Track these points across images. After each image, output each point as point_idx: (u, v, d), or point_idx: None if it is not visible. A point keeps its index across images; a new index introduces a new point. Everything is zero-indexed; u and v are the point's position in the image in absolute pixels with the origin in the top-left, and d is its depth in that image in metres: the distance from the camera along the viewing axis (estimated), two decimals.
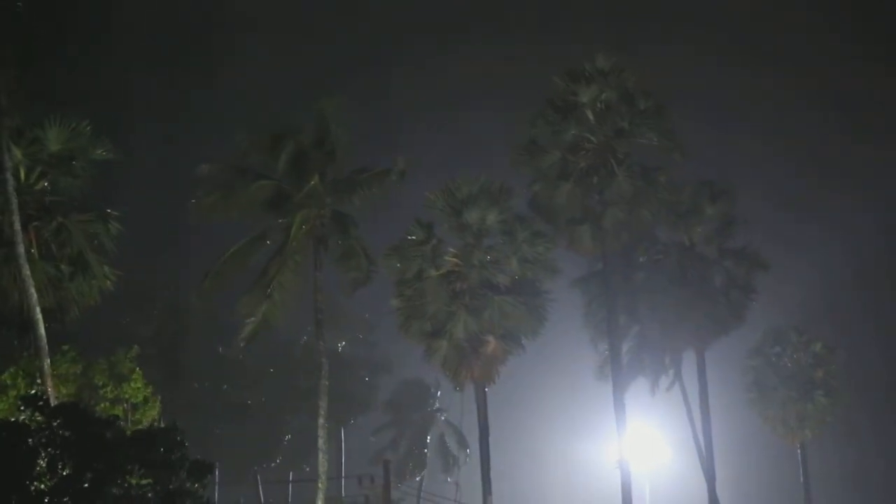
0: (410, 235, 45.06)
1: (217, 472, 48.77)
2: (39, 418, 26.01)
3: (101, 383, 39.53)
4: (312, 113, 47.23)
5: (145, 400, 39.55)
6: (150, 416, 39.37)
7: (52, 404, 28.12)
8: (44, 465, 25.22)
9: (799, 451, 65.04)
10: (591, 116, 48.95)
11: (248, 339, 47.44)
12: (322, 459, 45.74)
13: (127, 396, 39.12)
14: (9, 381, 37.27)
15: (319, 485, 45.35)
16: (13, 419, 27.32)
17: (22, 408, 27.28)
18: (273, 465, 79.96)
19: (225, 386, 78.90)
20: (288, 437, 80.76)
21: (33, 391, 32.53)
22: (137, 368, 40.65)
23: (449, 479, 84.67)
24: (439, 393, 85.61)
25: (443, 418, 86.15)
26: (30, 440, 25.39)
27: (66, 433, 25.49)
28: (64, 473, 25.04)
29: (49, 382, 35.94)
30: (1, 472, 24.57)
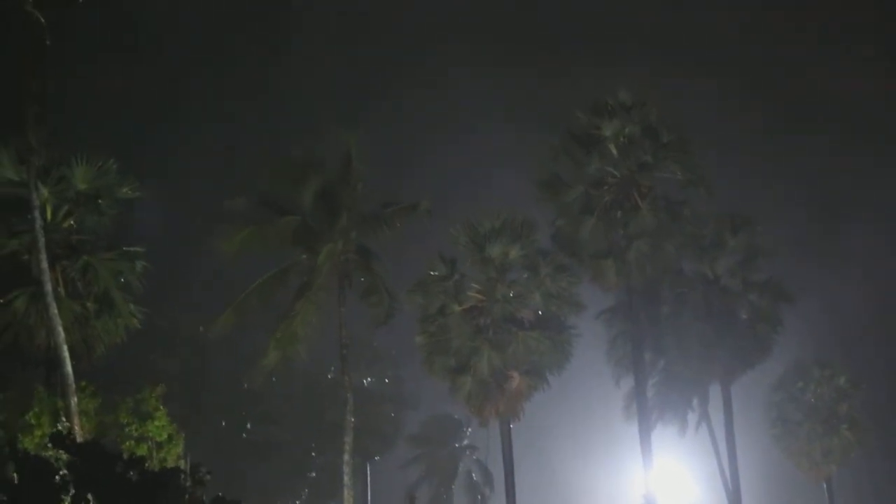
0: (433, 271, 45.02)
1: None
2: (65, 456, 26.07)
3: (126, 421, 39.58)
4: (324, 145, 47.52)
5: (169, 438, 39.57)
6: (175, 453, 39.43)
7: (78, 441, 28.18)
8: (69, 502, 25.27)
9: (825, 485, 64.59)
10: (614, 150, 48.95)
11: (269, 368, 47.53)
12: (348, 496, 45.71)
13: (151, 434, 39.15)
14: (33, 421, 37.34)
15: None
16: (40, 455, 27.30)
17: (49, 445, 27.33)
18: (298, 502, 79.76)
19: (249, 424, 78.80)
20: (313, 473, 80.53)
21: (59, 429, 32.64)
22: (161, 407, 40.70)
23: None
24: (469, 430, 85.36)
25: (474, 457, 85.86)
26: (57, 477, 25.47)
27: (92, 472, 25.55)
28: None
29: (76, 420, 36.04)
30: None
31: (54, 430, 32.79)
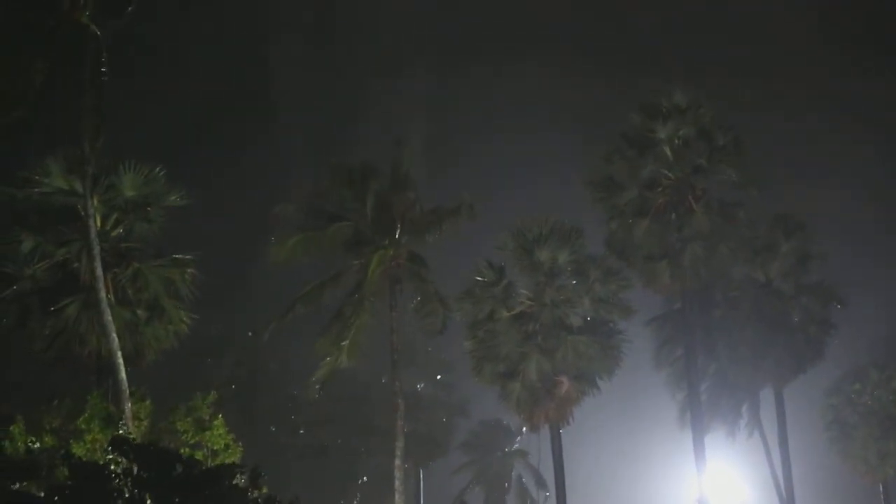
0: (481, 277, 44.92)
1: None
2: (121, 460, 26.21)
3: (182, 429, 39.64)
4: (372, 152, 47.71)
5: (226, 446, 39.56)
6: (232, 461, 39.34)
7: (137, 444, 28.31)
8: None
9: (881, 489, 64.02)
10: (668, 153, 48.71)
11: (324, 380, 47.71)
12: (399, 501, 45.77)
13: (208, 443, 39.16)
14: (83, 427, 37.47)
15: None
16: (95, 461, 27.46)
17: (109, 448, 27.48)
18: None
19: (301, 430, 78.96)
20: (364, 478, 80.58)
21: (119, 432, 32.84)
22: (220, 416, 40.72)
23: None
24: (520, 437, 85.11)
25: (525, 461, 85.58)
26: (114, 482, 25.62)
27: (150, 473, 25.69)
28: None
29: (131, 425, 36.19)
30: None
31: (114, 434, 32.94)
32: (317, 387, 49.33)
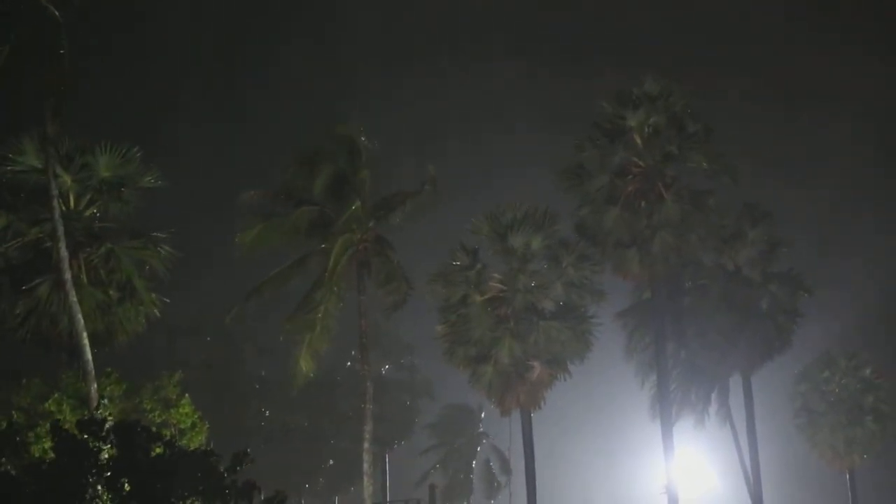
0: (455, 261, 44.89)
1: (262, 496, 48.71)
2: (94, 442, 26.04)
3: (149, 407, 39.55)
4: (333, 138, 47.66)
5: (193, 425, 39.49)
6: (198, 440, 39.29)
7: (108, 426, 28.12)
8: (102, 486, 25.31)
9: (847, 476, 64.51)
10: (639, 141, 48.70)
11: (301, 379, 47.85)
12: (367, 483, 45.85)
13: (175, 422, 39.10)
14: (53, 408, 37.34)
15: None
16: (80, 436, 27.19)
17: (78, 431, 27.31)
18: (316, 489, 79.83)
19: (267, 411, 78.90)
20: (331, 461, 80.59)
21: (86, 415, 32.62)
22: (186, 395, 40.65)
23: (492, 502, 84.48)
24: (483, 415, 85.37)
25: (485, 441, 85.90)
26: (87, 461, 25.48)
27: (124, 454, 25.55)
28: (120, 496, 25.08)
29: (95, 406, 35.96)
30: (65, 490, 24.73)
31: (82, 416, 32.76)
32: (296, 389, 49.16)
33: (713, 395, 55.70)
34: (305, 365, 47.15)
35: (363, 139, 47.54)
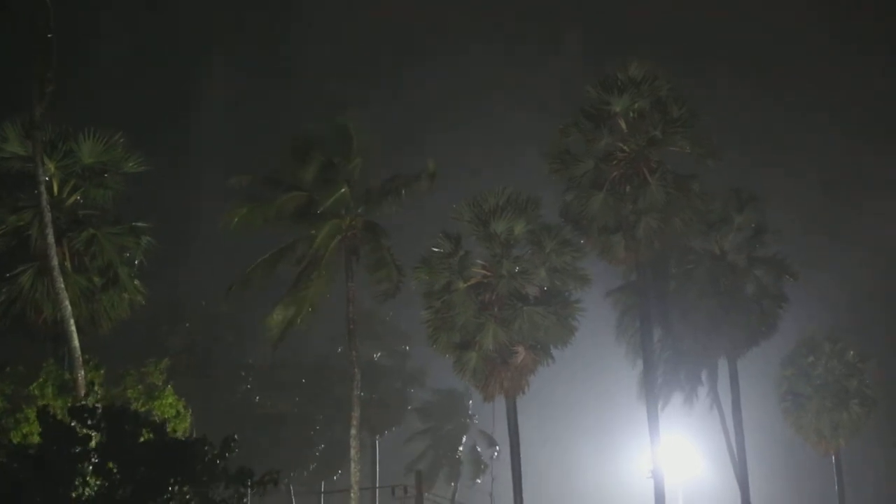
0: (438, 248, 44.73)
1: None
2: (82, 429, 26.10)
3: (133, 396, 39.54)
4: (331, 126, 47.69)
5: (177, 413, 39.52)
6: (182, 428, 39.37)
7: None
8: (90, 471, 25.38)
9: (833, 460, 64.69)
10: (623, 125, 48.58)
11: (276, 341, 47.71)
12: (355, 470, 45.87)
13: (158, 413, 39.08)
14: (37, 392, 37.35)
15: (352, 495, 45.51)
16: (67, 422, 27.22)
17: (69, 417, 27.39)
18: (305, 474, 79.88)
19: (257, 397, 78.95)
20: (322, 446, 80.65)
21: (71, 402, 32.68)
22: (170, 385, 40.66)
23: (478, 480, 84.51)
24: (471, 402, 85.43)
25: (475, 422, 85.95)
26: (77, 448, 25.56)
27: (113, 440, 25.63)
28: (110, 481, 25.17)
29: (82, 392, 36.03)
30: (52, 475, 24.81)
31: (69, 401, 32.83)
32: (272, 340, 48.91)
33: (701, 379, 55.93)
34: (279, 314, 47.01)
35: (359, 127, 47.53)
